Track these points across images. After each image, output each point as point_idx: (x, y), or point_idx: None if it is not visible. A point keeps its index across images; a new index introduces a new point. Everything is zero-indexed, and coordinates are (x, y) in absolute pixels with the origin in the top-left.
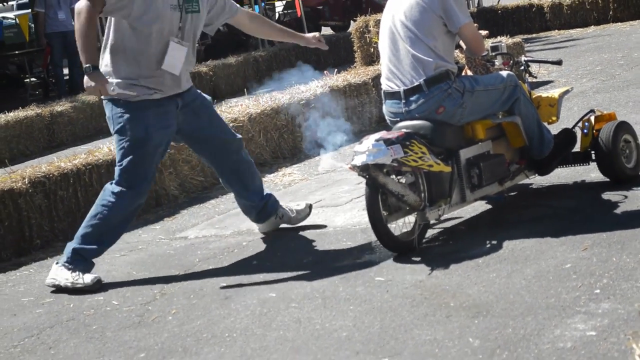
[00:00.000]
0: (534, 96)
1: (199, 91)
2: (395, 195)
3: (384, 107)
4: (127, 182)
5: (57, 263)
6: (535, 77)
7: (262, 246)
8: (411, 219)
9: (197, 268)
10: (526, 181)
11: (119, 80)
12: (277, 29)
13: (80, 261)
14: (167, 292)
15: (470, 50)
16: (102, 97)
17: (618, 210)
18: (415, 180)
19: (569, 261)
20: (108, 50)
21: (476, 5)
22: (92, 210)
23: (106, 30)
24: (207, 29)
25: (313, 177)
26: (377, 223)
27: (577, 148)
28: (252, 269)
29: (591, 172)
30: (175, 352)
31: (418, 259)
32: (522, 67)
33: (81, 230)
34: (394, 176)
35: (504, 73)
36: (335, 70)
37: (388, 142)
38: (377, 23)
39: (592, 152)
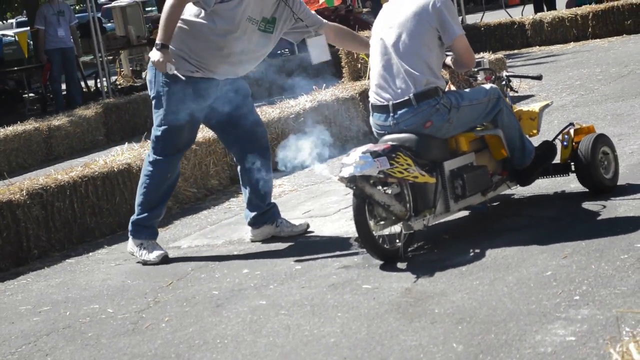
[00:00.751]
0: (515, 110)
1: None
2: (382, 206)
3: (371, 119)
4: (161, 151)
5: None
6: (517, 92)
7: (252, 255)
8: (397, 228)
9: (190, 277)
10: (508, 192)
11: (172, 48)
12: (364, 42)
13: (142, 229)
14: (160, 300)
15: (461, 63)
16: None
17: (597, 220)
18: (401, 191)
19: (549, 269)
20: (181, 21)
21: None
22: (140, 182)
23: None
24: (291, 37)
25: (302, 188)
26: (364, 232)
27: (557, 160)
28: (243, 278)
29: (571, 183)
30: (168, 359)
31: (404, 267)
32: (504, 82)
33: (136, 201)
34: (380, 187)
35: (487, 86)
36: (324, 85)
37: (374, 155)
38: None
39: (572, 163)
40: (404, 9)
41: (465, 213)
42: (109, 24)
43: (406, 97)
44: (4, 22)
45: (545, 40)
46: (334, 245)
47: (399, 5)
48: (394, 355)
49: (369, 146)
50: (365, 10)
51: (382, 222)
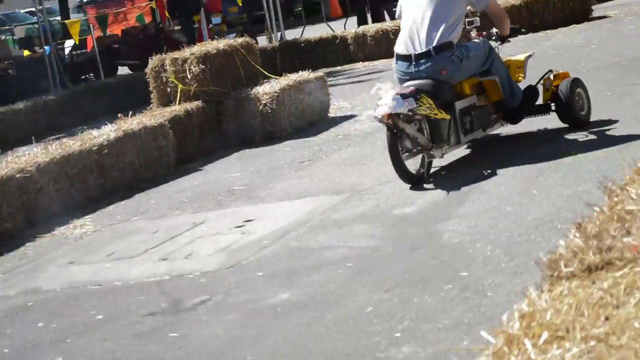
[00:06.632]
0: (504, 59)
1: None
2: (411, 138)
3: (394, 65)
4: None
5: None
6: (503, 44)
7: (49, 305)
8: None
9: None
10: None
11: None
12: None
13: None
14: None
15: (499, 22)
16: None
17: (420, 248)
18: (419, 127)
19: (370, 304)
20: None
21: (279, 39)
22: None
23: None
24: None
25: (106, 227)
26: (397, 160)
27: (539, 101)
28: (38, 332)
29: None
30: None
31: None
32: (494, 37)
33: None
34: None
35: (479, 40)
36: (130, 112)
37: (403, 96)
38: (174, 62)
39: (552, 104)
40: None
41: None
42: None
43: (427, 49)
44: None
45: (369, 54)
46: (140, 289)
47: None
48: None
49: (398, 90)
50: (176, 28)
51: (407, 154)
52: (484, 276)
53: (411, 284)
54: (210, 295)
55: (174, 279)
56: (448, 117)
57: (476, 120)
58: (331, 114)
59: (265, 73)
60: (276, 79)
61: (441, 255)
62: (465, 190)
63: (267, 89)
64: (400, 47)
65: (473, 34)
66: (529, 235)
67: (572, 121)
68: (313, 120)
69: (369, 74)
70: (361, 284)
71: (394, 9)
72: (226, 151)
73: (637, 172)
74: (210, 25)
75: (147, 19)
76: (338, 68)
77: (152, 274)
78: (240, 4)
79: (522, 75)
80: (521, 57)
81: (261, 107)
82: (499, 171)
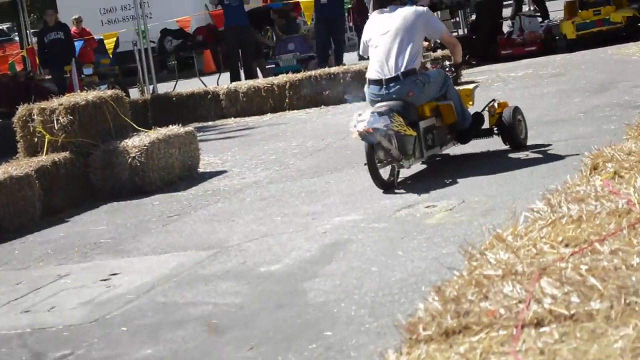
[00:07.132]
0: (457, 88)
1: None
2: (385, 150)
3: (366, 89)
4: None
5: None
6: (454, 74)
7: None
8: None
9: None
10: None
11: None
12: None
13: None
14: None
15: (453, 49)
16: None
17: (286, 306)
18: (389, 141)
19: None
20: None
21: (151, 92)
22: None
23: None
24: None
25: None
26: (373, 169)
27: (485, 125)
28: None
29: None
30: None
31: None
32: (447, 69)
33: None
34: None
35: (436, 70)
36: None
37: (379, 114)
38: (41, 111)
39: (495, 128)
40: (397, 18)
41: None
42: None
43: (396, 74)
44: None
45: (241, 111)
46: (1, 342)
47: (393, 15)
48: None
49: (374, 109)
50: (47, 77)
51: (379, 164)
52: (347, 336)
53: (276, 343)
54: (73, 350)
55: (35, 332)
56: (414, 133)
57: (436, 138)
58: (201, 169)
59: (135, 126)
60: (146, 132)
61: (306, 314)
62: (332, 248)
63: (136, 142)
64: (372, 73)
65: (428, 65)
66: (393, 296)
67: (512, 143)
68: (182, 175)
69: (239, 130)
70: (226, 341)
71: (267, 66)
72: (94, 203)
73: (497, 238)
74: (82, 76)
75: (19, 67)
76: (209, 123)
77: (13, 327)
78: (111, 56)
79: (470, 102)
80: (470, 86)
81: (130, 160)
82: (366, 231)
